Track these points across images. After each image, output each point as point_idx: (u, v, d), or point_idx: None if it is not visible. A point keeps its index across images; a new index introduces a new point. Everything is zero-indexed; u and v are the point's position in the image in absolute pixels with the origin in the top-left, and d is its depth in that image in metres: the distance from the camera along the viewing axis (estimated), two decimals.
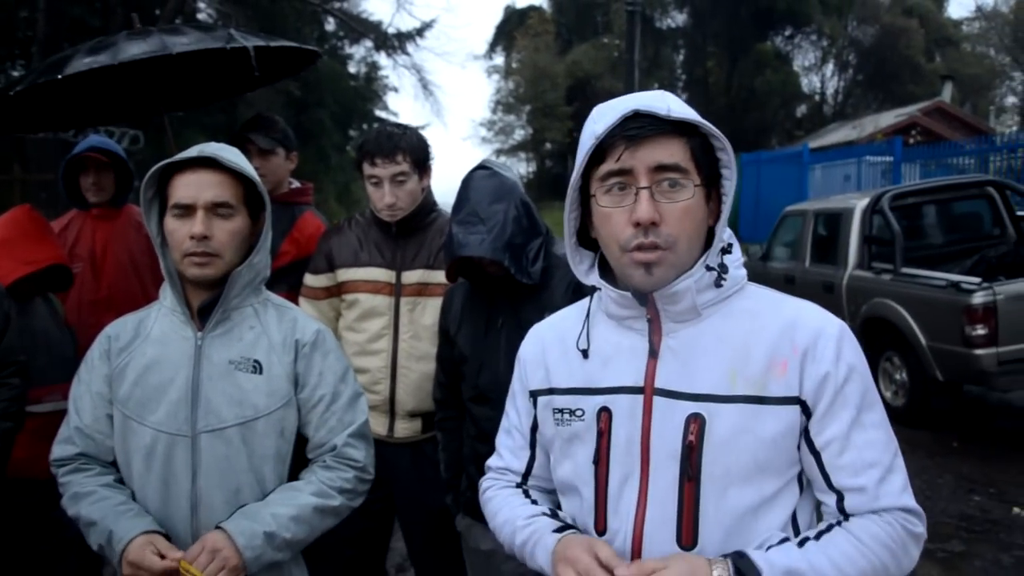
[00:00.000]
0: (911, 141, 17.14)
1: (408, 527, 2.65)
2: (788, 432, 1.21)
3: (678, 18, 36.27)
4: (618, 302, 1.29)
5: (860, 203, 6.52)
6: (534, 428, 1.45)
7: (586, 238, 1.34)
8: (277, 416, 1.73)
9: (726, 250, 1.27)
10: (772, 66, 31.44)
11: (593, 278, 1.34)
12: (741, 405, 1.20)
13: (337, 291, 2.58)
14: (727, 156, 1.24)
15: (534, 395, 1.42)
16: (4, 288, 2.30)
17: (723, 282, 1.25)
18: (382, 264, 2.50)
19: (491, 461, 1.56)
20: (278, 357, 1.74)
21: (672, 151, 1.20)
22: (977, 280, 5.27)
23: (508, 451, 1.52)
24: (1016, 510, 4.41)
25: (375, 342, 2.49)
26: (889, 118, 22.65)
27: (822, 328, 1.23)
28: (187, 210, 1.66)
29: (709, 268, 1.24)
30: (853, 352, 1.23)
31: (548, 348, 1.42)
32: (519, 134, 35.72)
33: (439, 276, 2.45)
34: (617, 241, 1.22)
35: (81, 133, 10.03)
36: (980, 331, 5.06)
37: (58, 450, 1.77)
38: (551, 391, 1.38)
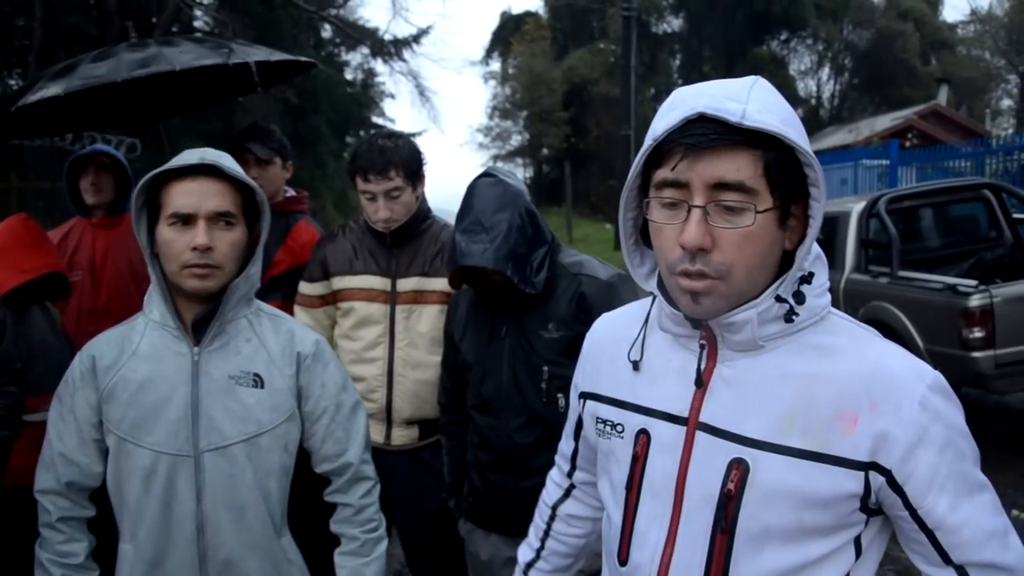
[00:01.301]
0: (907, 144, 17.18)
1: (406, 533, 2.64)
2: (847, 497, 1.05)
3: (674, 23, 36.32)
4: (672, 319, 1.14)
5: (856, 206, 6.52)
6: (579, 424, 1.39)
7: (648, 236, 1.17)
8: (281, 431, 1.70)
9: (806, 278, 1.09)
10: (768, 70, 31.44)
11: (651, 285, 1.19)
12: (793, 459, 1.05)
13: (332, 299, 2.57)
14: (814, 173, 1.03)
15: (583, 396, 1.33)
16: (1, 297, 2.29)
17: (794, 317, 1.07)
18: (377, 272, 2.50)
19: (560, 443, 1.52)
20: (279, 370, 1.71)
21: (739, 166, 1.00)
22: (974, 283, 5.27)
23: (565, 434, 1.47)
24: (1015, 512, 4.41)
25: (371, 350, 2.48)
26: (885, 121, 22.70)
27: (909, 384, 1.04)
28: (188, 220, 1.59)
29: (780, 299, 1.07)
30: (947, 410, 1.06)
31: (603, 349, 1.30)
32: (516, 140, 35.69)
33: (434, 283, 2.45)
34: (665, 261, 1.07)
35: (78, 141, 10.06)
36: (977, 334, 5.06)
37: (42, 477, 1.72)
38: (597, 397, 1.28)
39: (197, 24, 16.84)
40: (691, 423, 1.12)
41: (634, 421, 1.19)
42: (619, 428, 1.21)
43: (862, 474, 1.04)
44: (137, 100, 3.40)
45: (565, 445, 1.47)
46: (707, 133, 1.00)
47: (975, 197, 6.72)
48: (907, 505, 1.06)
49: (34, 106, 2.73)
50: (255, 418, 1.67)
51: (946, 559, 1.08)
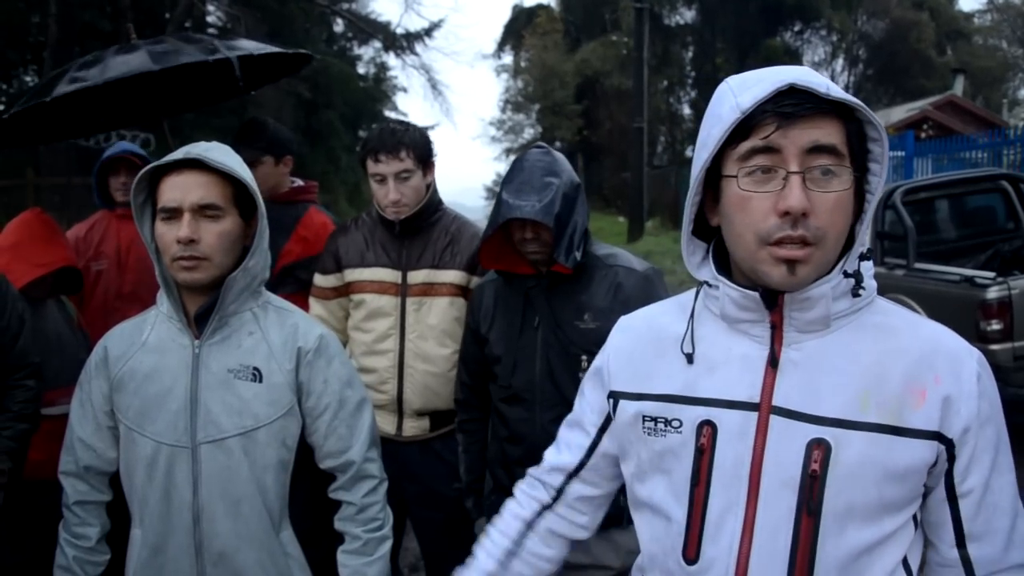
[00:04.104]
0: (923, 135, 17.04)
1: (420, 520, 2.64)
2: (921, 468, 1.09)
3: (686, 15, 36.17)
4: (739, 303, 1.13)
5: None
6: (603, 428, 1.32)
7: (696, 228, 1.20)
8: (278, 425, 1.71)
9: (864, 256, 1.13)
10: (782, 62, 31.21)
11: (706, 273, 1.19)
12: (873, 434, 1.07)
13: (345, 291, 2.58)
14: (880, 148, 1.09)
15: (615, 396, 1.28)
16: (17, 291, 2.31)
17: (861, 291, 1.11)
18: (388, 264, 2.51)
19: (546, 454, 1.43)
20: (278, 364, 1.71)
21: (829, 131, 1.05)
22: (991, 275, 5.21)
23: (565, 446, 1.38)
24: None
25: (382, 342, 2.49)
26: (900, 112, 22.51)
27: (965, 360, 1.12)
28: (174, 213, 1.62)
29: (847, 275, 1.10)
30: (992, 386, 1.13)
31: (641, 346, 1.27)
32: (529, 133, 35.62)
33: (444, 276, 2.46)
34: (756, 232, 1.06)
35: (93, 138, 10.11)
36: (995, 326, 5.01)
37: (64, 460, 1.79)
38: (640, 396, 1.23)
39: (210, 19, 16.89)
40: (763, 408, 1.12)
41: (693, 414, 1.16)
42: (675, 423, 1.18)
43: (935, 443, 1.08)
44: (145, 98, 3.42)
45: (568, 456, 1.38)
46: (800, 102, 1.04)
47: (992, 188, 6.65)
48: (949, 472, 1.11)
49: (37, 111, 2.75)
50: (252, 412, 1.68)
51: (959, 531, 1.12)
